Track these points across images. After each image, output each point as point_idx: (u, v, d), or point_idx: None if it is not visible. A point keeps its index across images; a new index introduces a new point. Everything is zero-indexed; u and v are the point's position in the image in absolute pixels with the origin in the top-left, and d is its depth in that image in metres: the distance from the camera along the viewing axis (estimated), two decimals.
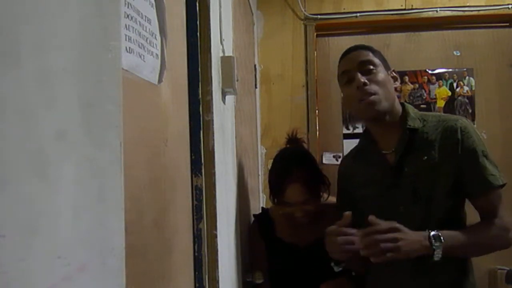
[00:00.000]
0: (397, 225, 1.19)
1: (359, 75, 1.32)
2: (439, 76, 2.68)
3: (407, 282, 1.32)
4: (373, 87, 1.31)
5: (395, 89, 1.39)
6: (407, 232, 1.19)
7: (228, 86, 1.34)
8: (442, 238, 1.20)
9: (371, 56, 1.35)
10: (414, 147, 1.32)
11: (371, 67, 1.33)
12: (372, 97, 1.30)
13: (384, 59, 1.39)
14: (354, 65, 1.34)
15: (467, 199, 1.35)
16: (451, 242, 1.21)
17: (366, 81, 1.31)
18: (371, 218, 1.20)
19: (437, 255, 1.19)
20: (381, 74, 1.34)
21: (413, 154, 1.32)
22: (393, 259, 1.18)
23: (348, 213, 1.26)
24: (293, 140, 1.80)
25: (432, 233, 1.20)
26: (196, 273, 1.05)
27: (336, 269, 1.35)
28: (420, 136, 1.33)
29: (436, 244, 1.19)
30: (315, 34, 2.68)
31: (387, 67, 1.38)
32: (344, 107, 1.45)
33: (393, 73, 1.40)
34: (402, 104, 1.40)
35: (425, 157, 1.30)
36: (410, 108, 1.39)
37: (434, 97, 2.68)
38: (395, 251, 1.16)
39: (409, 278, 1.31)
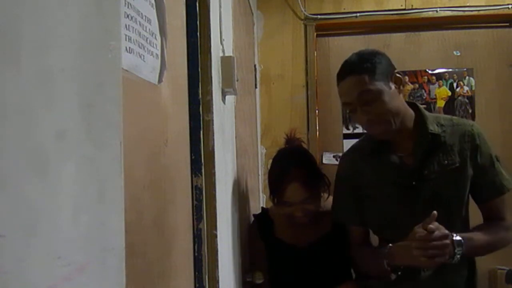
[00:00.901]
0: (446, 231, 1.20)
1: (359, 111, 1.27)
2: (439, 76, 2.68)
3: (423, 281, 1.32)
4: (379, 119, 1.28)
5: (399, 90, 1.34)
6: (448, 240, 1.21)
7: (228, 86, 1.34)
8: (463, 242, 1.22)
9: (368, 83, 1.25)
10: (433, 150, 1.33)
11: (371, 96, 1.26)
12: (382, 128, 1.29)
13: (383, 67, 1.29)
14: (353, 98, 1.28)
15: (475, 202, 1.38)
16: (471, 244, 1.24)
17: (369, 117, 1.27)
18: (430, 227, 1.18)
19: (457, 258, 1.22)
20: (384, 98, 1.26)
21: (433, 157, 1.32)
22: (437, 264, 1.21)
23: (434, 213, 1.20)
24: (291, 140, 1.80)
25: (455, 238, 1.22)
26: (196, 273, 1.05)
27: (393, 277, 1.31)
28: (438, 139, 1.33)
29: (458, 249, 1.21)
30: (315, 34, 2.68)
31: (388, 76, 1.29)
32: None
33: (397, 74, 1.33)
34: (414, 105, 1.38)
35: (446, 161, 1.32)
36: (424, 111, 1.38)
37: (434, 97, 2.68)
38: (443, 257, 1.19)
39: (423, 278, 1.31)
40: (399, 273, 1.29)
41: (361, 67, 1.27)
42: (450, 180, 1.31)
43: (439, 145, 1.33)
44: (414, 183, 1.32)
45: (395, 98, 1.30)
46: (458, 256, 1.21)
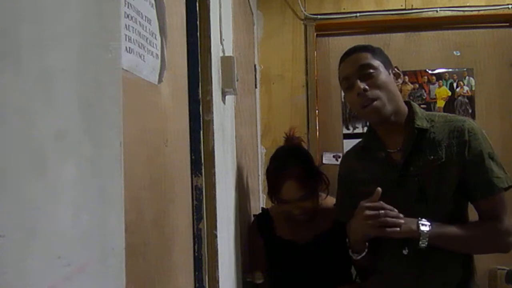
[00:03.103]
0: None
1: (358, 82, 1.31)
2: (439, 76, 2.68)
3: (414, 281, 1.32)
4: (374, 92, 1.30)
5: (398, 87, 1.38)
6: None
7: (228, 86, 1.34)
8: (430, 225, 1.23)
9: (369, 59, 1.34)
10: (420, 146, 1.32)
11: (371, 70, 1.32)
12: (374, 104, 1.30)
13: (384, 57, 1.38)
14: (353, 71, 1.33)
15: (469, 202, 1.35)
16: (440, 231, 1.24)
17: (366, 87, 1.30)
18: (378, 189, 1.25)
19: (423, 240, 1.23)
20: (382, 76, 1.32)
21: (420, 153, 1.32)
22: (384, 236, 1.25)
23: (378, 189, 1.27)
24: (291, 139, 1.81)
25: (422, 220, 1.24)
26: (196, 273, 1.05)
27: (356, 257, 1.35)
28: (427, 135, 1.33)
29: (422, 229, 1.23)
30: (315, 34, 2.68)
31: (388, 65, 1.37)
32: (350, 109, 1.46)
33: (396, 69, 1.39)
34: (408, 103, 1.39)
35: (432, 157, 1.30)
36: (417, 108, 1.38)
37: (434, 97, 2.68)
38: (395, 229, 1.23)
39: (416, 277, 1.31)
40: (359, 255, 1.34)
41: (365, 47, 1.38)
42: (435, 176, 1.29)
43: (426, 140, 1.32)
44: (400, 179, 1.32)
45: (392, 85, 1.35)
46: (424, 238, 1.22)
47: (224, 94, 1.36)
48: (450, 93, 2.67)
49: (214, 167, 1.11)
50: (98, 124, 0.50)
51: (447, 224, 1.27)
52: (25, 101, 0.37)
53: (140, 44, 0.74)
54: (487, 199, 1.29)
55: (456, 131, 1.31)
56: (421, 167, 1.30)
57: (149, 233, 0.77)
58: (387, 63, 1.37)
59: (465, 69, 2.66)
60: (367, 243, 1.33)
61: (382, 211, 1.24)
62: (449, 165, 1.29)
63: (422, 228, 1.23)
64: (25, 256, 0.36)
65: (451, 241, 1.27)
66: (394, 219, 1.23)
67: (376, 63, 1.33)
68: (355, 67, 1.33)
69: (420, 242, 1.23)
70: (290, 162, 1.59)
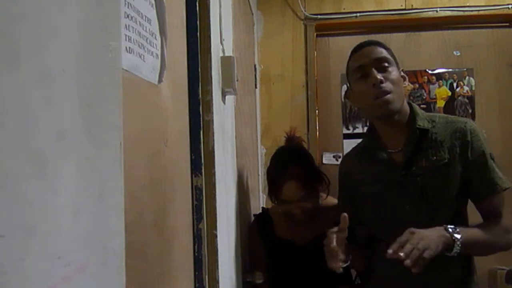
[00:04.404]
0: (411, 228, 1.18)
1: (375, 72, 1.30)
2: (439, 76, 2.68)
3: (415, 281, 1.31)
4: (389, 85, 1.30)
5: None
6: (421, 231, 1.17)
7: (228, 86, 1.34)
8: (459, 230, 1.20)
9: (385, 53, 1.34)
10: (422, 147, 1.33)
11: (386, 64, 1.32)
12: (388, 96, 1.29)
13: (395, 57, 1.38)
14: (369, 61, 1.32)
15: (471, 201, 1.35)
16: (467, 236, 1.22)
17: (382, 78, 1.29)
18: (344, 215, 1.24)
19: (457, 246, 1.19)
20: (395, 72, 1.33)
21: (422, 153, 1.32)
22: (430, 257, 1.15)
23: (344, 215, 1.24)
24: (291, 139, 1.81)
25: (448, 226, 1.21)
26: (196, 273, 1.05)
27: (342, 265, 1.34)
28: (429, 136, 1.33)
29: (456, 236, 1.19)
30: (315, 34, 2.68)
31: (398, 65, 1.38)
32: (354, 103, 1.38)
33: (402, 72, 1.39)
34: (408, 104, 1.40)
35: (434, 157, 1.31)
36: (418, 109, 1.39)
37: (434, 97, 2.68)
38: (428, 249, 1.14)
39: (417, 278, 1.31)
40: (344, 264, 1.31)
41: (380, 43, 1.39)
42: (438, 176, 1.29)
43: (428, 141, 1.33)
44: (401, 179, 1.32)
45: (401, 84, 1.35)
46: (458, 244, 1.18)
47: (224, 94, 1.35)
48: (450, 93, 2.67)
49: (214, 167, 1.11)
50: (98, 124, 0.50)
51: (466, 227, 1.26)
52: (25, 101, 0.37)
53: (140, 44, 0.74)
54: (490, 198, 1.31)
55: (458, 132, 1.32)
56: (424, 167, 1.31)
57: (149, 233, 0.77)
58: (397, 63, 1.38)
59: (465, 69, 2.66)
60: (350, 255, 1.31)
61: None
62: (452, 165, 1.30)
63: (456, 235, 1.19)
64: (25, 256, 0.36)
65: (475, 246, 1.26)
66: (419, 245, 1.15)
67: (391, 59, 1.35)
68: (372, 58, 1.33)
69: (454, 249, 1.19)
70: (291, 163, 1.58)
